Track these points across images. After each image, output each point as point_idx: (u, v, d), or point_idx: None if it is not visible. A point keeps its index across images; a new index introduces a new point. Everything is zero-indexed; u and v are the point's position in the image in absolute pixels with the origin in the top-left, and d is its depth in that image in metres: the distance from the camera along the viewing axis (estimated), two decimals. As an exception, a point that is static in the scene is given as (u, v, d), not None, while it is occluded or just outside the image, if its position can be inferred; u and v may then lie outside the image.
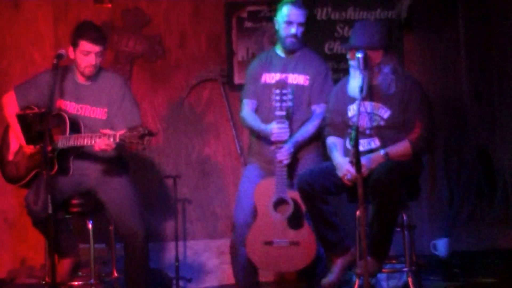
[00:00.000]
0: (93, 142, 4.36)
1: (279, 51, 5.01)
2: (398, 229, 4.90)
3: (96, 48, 4.53)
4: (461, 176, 5.90)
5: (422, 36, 5.98)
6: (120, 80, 4.78)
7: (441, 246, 5.67)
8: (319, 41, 5.90)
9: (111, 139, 4.28)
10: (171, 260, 5.62)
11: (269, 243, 4.72)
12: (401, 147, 4.57)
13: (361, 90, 4.35)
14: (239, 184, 5.05)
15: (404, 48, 5.97)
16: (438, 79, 5.98)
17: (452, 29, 5.92)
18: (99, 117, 4.61)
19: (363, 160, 4.64)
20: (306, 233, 4.72)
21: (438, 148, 5.95)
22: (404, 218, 4.75)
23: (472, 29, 5.88)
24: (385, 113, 4.60)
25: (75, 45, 4.54)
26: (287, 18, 4.87)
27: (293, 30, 4.87)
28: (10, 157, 4.67)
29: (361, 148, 4.75)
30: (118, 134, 4.25)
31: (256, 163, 4.99)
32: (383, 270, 4.71)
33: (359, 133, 4.73)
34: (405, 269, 4.74)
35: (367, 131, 4.66)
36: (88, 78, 4.62)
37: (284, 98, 4.70)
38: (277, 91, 4.70)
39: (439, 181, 5.93)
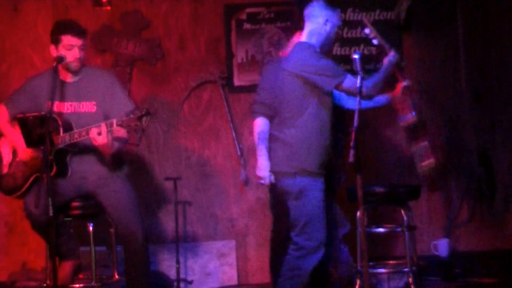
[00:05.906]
0: (89, 133, 4.34)
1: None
2: (398, 229, 4.93)
3: (79, 42, 4.57)
4: (461, 177, 5.91)
5: (421, 37, 5.98)
6: (107, 73, 4.82)
7: (442, 247, 5.68)
8: (318, 43, 5.91)
9: (108, 126, 4.28)
10: (172, 262, 5.62)
11: None
12: None
13: (360, 91, 4.27)
14: (313, 200, 4.32)
15: (403, 49, 5.98)
16: (437, 81, 5.98)
17: (451, 30, 5.92)
18: (88, 110, 4.61)
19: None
20: None
21: (438, 149, 5.96)
22: (405, 218, 4.76)
23: (471, 31, 5.88)
24: None
25: (57, 41, 4.56)
26: (339, 23, 4.60)
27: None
28: (5, 169, 4.68)
29: None
30: (114, 121, 4.26)
31: (322, 178, 4.41)
32: (384, 271, 4.70)
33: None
34: (406, 269, 4.75)
35: None
36: (74, 74, 4.63)
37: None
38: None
39: (438, 182, 5.93)
